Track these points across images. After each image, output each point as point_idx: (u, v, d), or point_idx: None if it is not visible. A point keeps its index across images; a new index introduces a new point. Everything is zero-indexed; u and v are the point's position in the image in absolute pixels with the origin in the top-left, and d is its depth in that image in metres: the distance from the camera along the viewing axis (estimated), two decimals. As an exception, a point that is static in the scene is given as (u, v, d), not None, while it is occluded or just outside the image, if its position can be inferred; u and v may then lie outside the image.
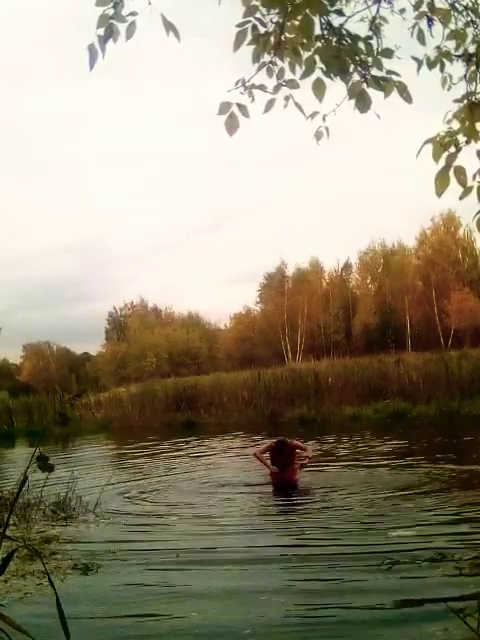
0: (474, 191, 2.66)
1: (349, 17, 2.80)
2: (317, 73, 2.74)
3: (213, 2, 2.75)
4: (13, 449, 17.70)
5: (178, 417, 20.45)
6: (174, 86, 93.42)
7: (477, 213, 2.63)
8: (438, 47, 3.04)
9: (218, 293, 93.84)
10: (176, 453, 13.43)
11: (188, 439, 15.76)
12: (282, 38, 2.70)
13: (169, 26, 2.60)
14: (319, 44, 2.69)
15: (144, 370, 53.54)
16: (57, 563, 5.35)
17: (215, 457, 12.28)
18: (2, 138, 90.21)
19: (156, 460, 12.38)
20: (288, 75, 2.84)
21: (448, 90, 3.09)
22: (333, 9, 2.71)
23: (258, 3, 2.67)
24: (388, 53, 2.79)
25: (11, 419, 22.02)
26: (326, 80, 2.73)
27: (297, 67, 2.79)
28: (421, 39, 2.98)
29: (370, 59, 2.78)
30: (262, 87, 2.82)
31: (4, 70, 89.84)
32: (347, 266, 63.33)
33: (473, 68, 2.98)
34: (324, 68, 2.70)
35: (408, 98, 2.79)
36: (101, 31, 2.59)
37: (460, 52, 3.04)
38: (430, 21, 2.94)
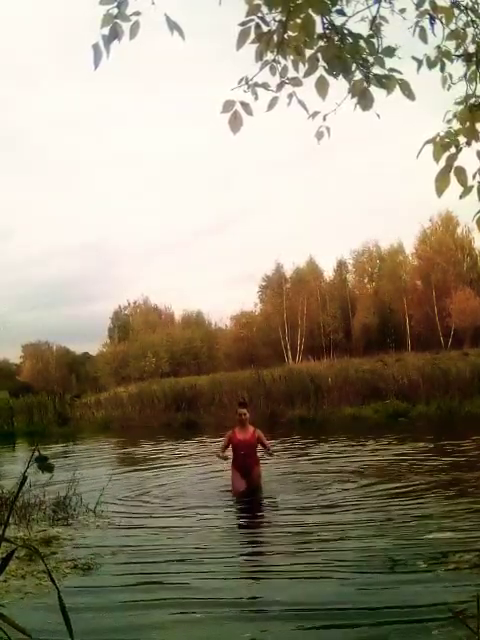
0: (474, 190, 2.66)
1: (350, 17, 2.80)
2: (320, 71, 2.73)
3: (215, 1, 2.74)
4: (13, 449, 17.69)
5: (178, 417, 20.45)
6: (175, 86, 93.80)
7: (477, 212, 2.62)
8: (438, 47, 3.04)
9: (219, 293, 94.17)
10: (176, 453, 13.42)
11: (188, 439, 15.75)
12: (285, 37, 2.69)
13: (173, 26, 2.58)
14: (321, 43, 2.69)
15: (144, 370, 53.58)
16: (57, 563, 5.34)
17: (214, 457, 12.25)
18: (3, 138, 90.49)
19: (156, 460, 12.37)
20: (291, 73, 2.84)
21: (448, 90, 3.08)
22: (334, 9, 2.70)
23: (261, 2, 2.66)
24: (390, 52, 2.78)
25: (11, 419, 22.01)
26: (329, 78, 2.73)
27: (300, 65, 2.78)
28: (423, 38, 2.97)
29: (371, 58, 2.78)
30: (265, 85, 2.81)
31: (5, 70, 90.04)
32: (344, 266, 63.46)
33: (473, 68, 2.97)
34: (326, 66, 2.69)
35: (411, 96, 2.78)
36: (105, 31, 2.57)
37: (460, 52, 3.04)
38: (432, 20, 2.93)
